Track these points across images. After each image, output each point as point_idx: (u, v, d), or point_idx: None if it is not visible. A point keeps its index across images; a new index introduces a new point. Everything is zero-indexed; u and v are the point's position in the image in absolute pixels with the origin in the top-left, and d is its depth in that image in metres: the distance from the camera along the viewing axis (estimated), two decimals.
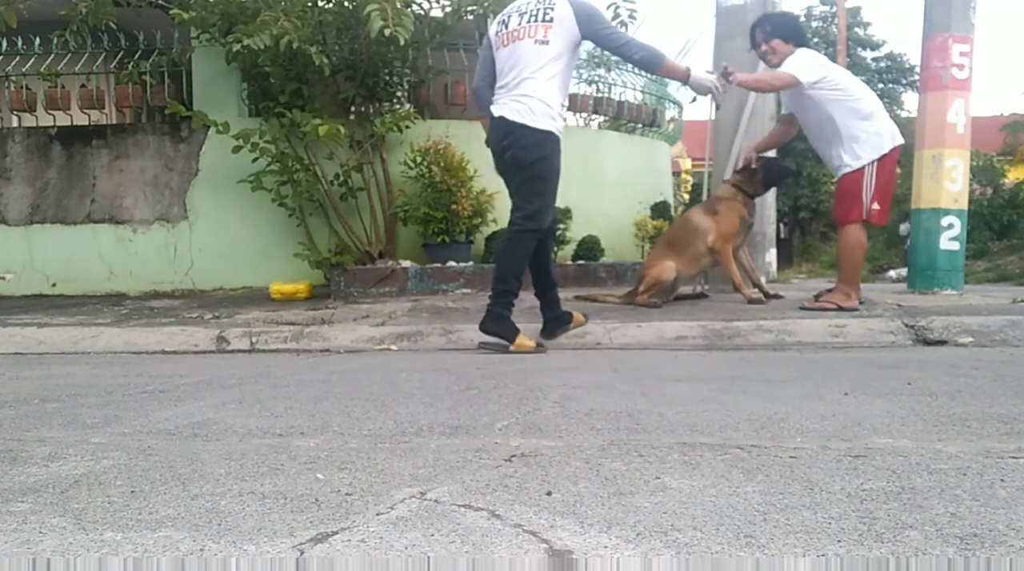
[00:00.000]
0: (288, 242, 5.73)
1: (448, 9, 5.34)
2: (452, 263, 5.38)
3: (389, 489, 1.32)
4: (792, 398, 2.08)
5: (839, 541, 1.04)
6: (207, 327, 3.86)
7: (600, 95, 6.97)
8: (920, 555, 0.99)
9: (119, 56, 6.37)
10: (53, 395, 2.38)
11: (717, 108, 3.46)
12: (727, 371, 2.67)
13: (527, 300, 3.66)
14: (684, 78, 3.34)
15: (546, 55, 3.17)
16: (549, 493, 1.27)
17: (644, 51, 3.19)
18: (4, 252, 6.06)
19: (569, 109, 6.64)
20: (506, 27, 3.30)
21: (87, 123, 6.27)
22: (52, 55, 6.09)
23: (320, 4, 5.35)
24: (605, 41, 3.28)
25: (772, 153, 4.88)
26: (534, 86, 3.17)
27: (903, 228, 8.08)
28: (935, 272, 4.82)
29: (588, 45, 7.18)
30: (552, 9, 3.18)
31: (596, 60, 7.05)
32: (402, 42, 4.50)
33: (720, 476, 1.36)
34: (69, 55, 6.13)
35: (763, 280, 4.88)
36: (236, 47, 4.74)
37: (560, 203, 5.81)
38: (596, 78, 7.17)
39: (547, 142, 3.19)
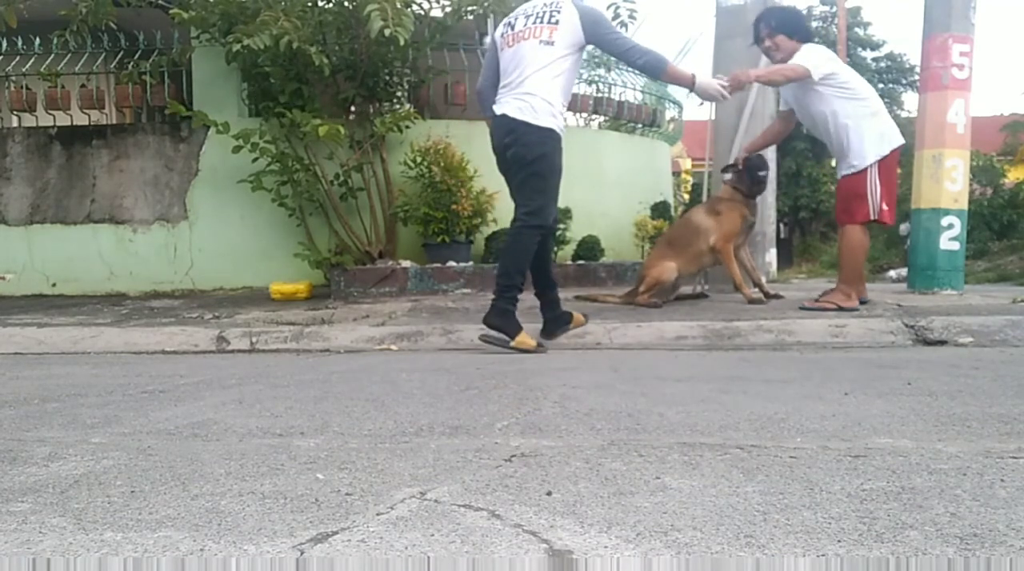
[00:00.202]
0: (288, 242, 5.73)
1: (448, 9, 5.34)
2: (452, 263, 5.38)
3: (389, 489, 1.32)
4: (792, 398, 2.08)
5: (839, 541, 1.04)
6: (207, 327, 3.86)
7: (600, 95, 6.97)
8: (920, 555, 0.99)
9: (119, 56, 6.37)
10: (53, 395, 2.38)
11: (725, 96, 3.42)
12: (727, 371, 2.67)
13: (527, 300, 3.66)
14: (689, 84, 3.32)
15: (550, 55, 3.18)
16: (549, 493, 1.27)
17: (648, 56, 3.19)
18: (4, 252, 6.07)
19: (569, 109, 6.62)
20: (512, 29, 3.32)
21: (87, 123, 6.27)
22: (52, 55, 6.09)
23: (320, 4, 5.35)
24: (610, 46, 3.29)
25: (773, 150, 4.88)
26: (537, 85, 3.18)
27: (903, 228, 8.08)
28: (935, 272, 4.82)
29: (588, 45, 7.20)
30: (558, 12, 3.20)
31: (596, 60, 7.05)
32: (402, 42, 4.50)
33: (720, 476, 1.36)
34: (69, 55, 6.13)
35: (763, 280, 4.88)
36: (236, 47, 4.74)
37: (560, 203, 5.81)
38: (596, 78, 7.16)
39: (549, 139, 3.21)
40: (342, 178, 5.53)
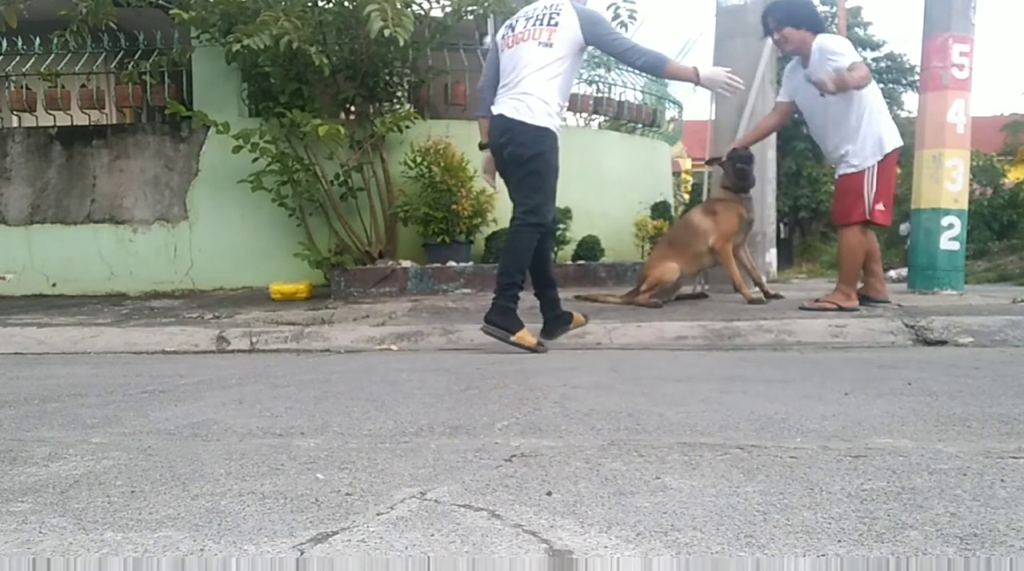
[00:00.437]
0: (288, 242, 5.73)
1: (448, 9, 5.34)
2: (452, 263, 5.38)
3: (389, 489, 1.32)
4: (792, 398, 2.08)
5: (839, 541, 1.04)
6: (207, 327, 3.86)
7: (600, 95, 6.97)
8: (920, 555, 0.99)
9: (119, 56, 6.37)
10: (53, 395, 2.38)
11: (734, 84, 3.36)
12: (727, 371, 2.67)
13: (527, 300, 3.66)
14: (693, 78, 3.27)
15: (549, 57, 3.19)
16: (549, 493, 1.27)
17: (647, 56, 3.19)
18: (4, 252, 6.07)
19: (569, 109, 6.63)
20: (512, 31, 3.34)
21: (87, 123, 6.28)
22: (52, 55, 6.09)
23: (320, 4, 5.36)
24: (609, 46, 3.28)
25: (772, 150, 4.88)
26: (533, 85, 3.20)
27: (903, 228, 8.09)
28: (935, 272, 4.82)
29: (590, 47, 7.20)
30: (557, 14, 3.21)
31: (596, 60, 7.05)
32: (402, 42, 4.50)
33: (720, 476, 1.36)
34: (69, 55, 6.14)
35: (764, 280, 4.88)
36: (236, 47, 4.74)
37: (560, 203, 5.82)
38: (596, 78, 7.16)
39: (545, 138, 3.22)
40: (342, 178, 5.53)
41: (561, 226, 5.85)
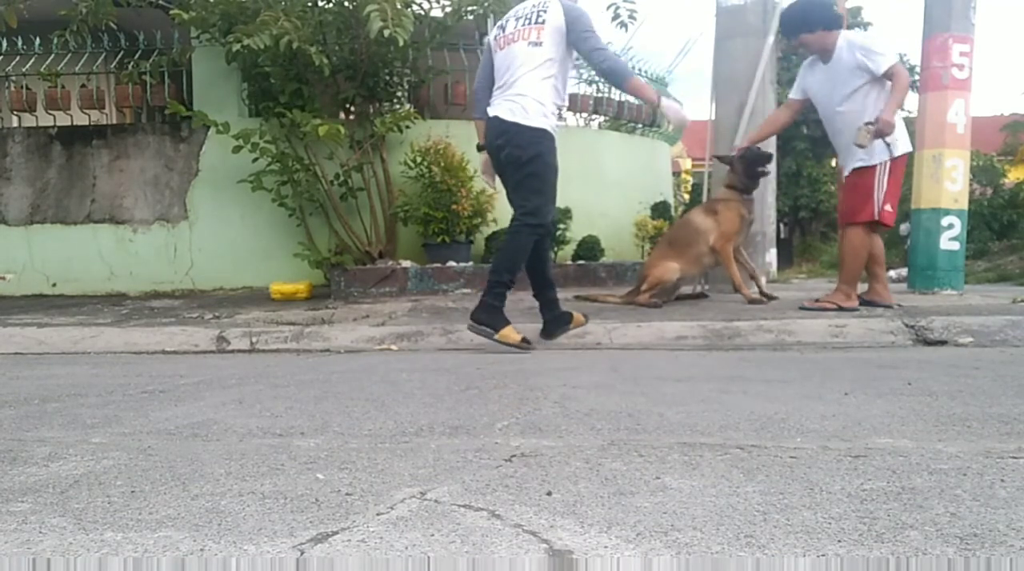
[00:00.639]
0: (288, 242, 5.73)
1: (448, 9, 5.34)
2: (452, 263, 5.38)
3: (389, 489, 1.32)
4: (792, 398, 2.08)
5: (839, 541, 1.04)
6: (207, 327, 3.86)
7: (600, 95, 6.97)
8: (920, 555, 0.99)
9: (119, 56, 6.38)
10: (53, 395, 2.38)
11: (685, 123, 3.40)
12: (727, 371, 2.67)
13: (527, 300, 3.66)
14: (654, 102, 3.21)
15: (540, 56, 3.19)
16: (549, 493, 1.27)
17: (612, 62, 3.18)
18: (4, 252, 6.07)
19: (569, 109, 6.64)
20: (503, 31, 3.34)
21: (87, 123, 6.28)
22: (52, 55, 6.09)
23: (320, 4, 5.36)
24: (580, 43, 3.21)
25: (774, 150, 4.88)
26: (528, 86, 3.19)
27: (903, 228, 8.08)
28: (935, 272, 4.82)
29: None
30: (545, 12, 3.20)
31: None
32: (402, 42, 4.51)
33: (720, 476, 1.36)
34: (69, 55, 6.14)
35: (763, 281, 4.88)
36: (236, 47, 4.74)
37: (560, 203, 5.82)
38: (596, 78, 7.16)
39: (542, 139, 3.22)
40: (342, 178, 5.53)
41: (561, 226, 5.85)
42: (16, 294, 5.97)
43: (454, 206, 5.33)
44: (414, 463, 1.49)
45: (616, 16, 5.53)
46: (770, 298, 4.48)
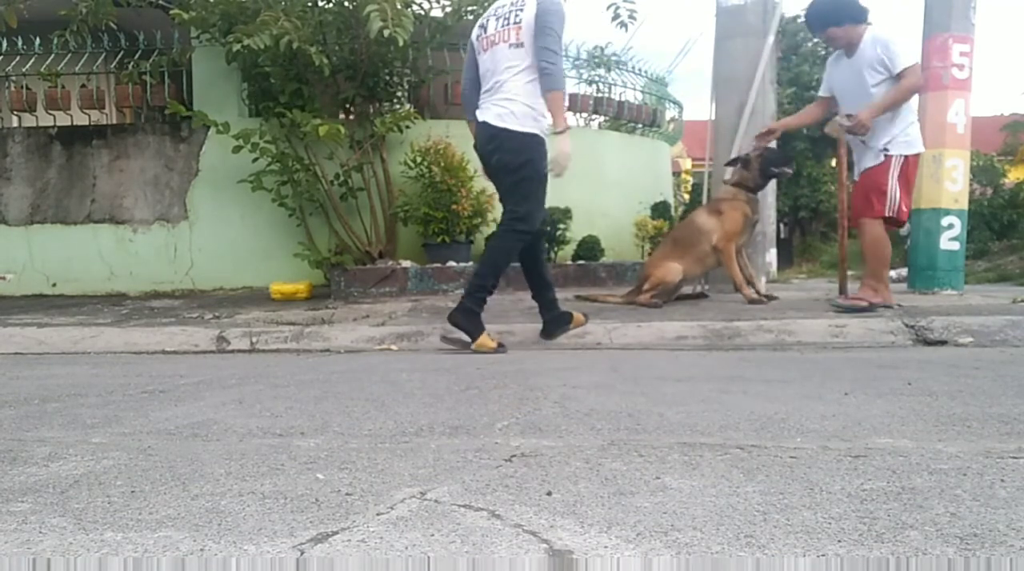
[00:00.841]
0: (288, 242, 5.73)
1: (448, 9, 5.34)
2: (452, 263, 5.38)
3: (389, 489, 1.32)
4: (792, 398, 2.08)
5: (839, 541, 1.04)
6: (207, 327, 3.86)
7: (600, 95, 6.97)
8: (920, 555, 0.99)
9: (119, 56, 6.37)
10: (53, 395, 2.38)
11: (562, 169, 3.24)
12: (727, 371, 2.67)
13: (527, 300, 3.66)
14: (557, 128, 3.15)
15: (522, 58, 3.14)
16: (549, 493, 1.27)
17: (552, 68, 3.08)
18: (4, 252, 6.07)
19: (569, 109, 6.64)
20: (485, 31, 3.29)
21: (87, 123, 6.28)
22: (52, 55, 6.09)
23: (320, 4, 5.36)
24: (537, 36, 3.11)
25: (773, 143, 4.87)
26: (515, 89, 3.15)
27: (903, 228, 8.09)
28: (935, 272, 4.82)
29: (588, 46, 7.20)
30: (521, 10, 3.15)
31: (596, 60, 7.05)
32: (401, 42, 4.50)
33: (720, 476, 1.36)
34: (69, 55, 6.14)
35: (762, 282, 4.88)
36: (236, 47, 4.74)
37: (560, 203, 5.88)
38: (596, 78, 7.16)
39: (532, 145, 3.18)
40: (342, 178, 5.53)
41: (561, 226, 5.85)
42: (16, 294, 5.97)
43: (454, 206, 5.33)
44: (414, 463, 1.49)
45: (616, 16, 5.53)
46: (770, 298, 4.48)
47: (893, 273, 6.50)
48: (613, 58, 7.12)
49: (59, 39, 5.87)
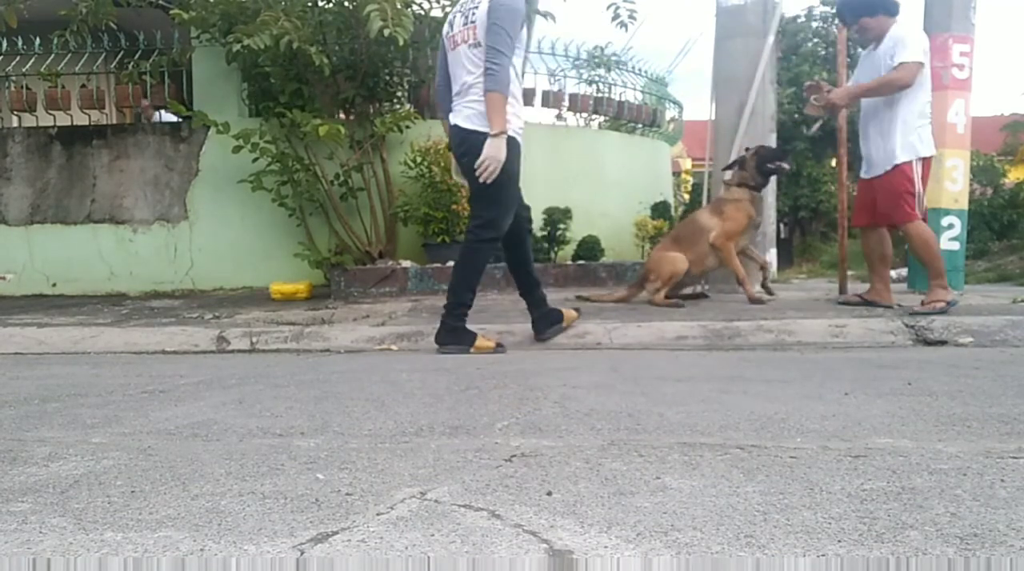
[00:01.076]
0: (288, 242, 5.73)
1: (448, 9, 5.34)
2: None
3: (389, 489, 1.32)
4: (792, 398, 2.08)
5: (839, 541, 1.04)
6: (207, 327, 3.86)
7: (600, 95, 6.98)
8: (920, 555, 0.99)
9: (119, 56, 6.38)
10: (53, 395, 2.38)
11: (497, 165, 3.04)
12: (727, 371, 2.67)
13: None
14: (495, 129, 2.98)
15: (482, 58, 3.03)
16: (549, 493, 1.27)
17: (495, 68, 2.95)
18: (4, 252, 6.07)
19: (569, 109, 6.65)
20: (452, 29, 3.21)
21: (87, 123, 6.28)
22: (52, 55, 6.09)
23: (320, 4, 5.36)
24: (487, 33, 3.00)
25: (773, 139, 4.88)
26: (481, 91, 3.03)
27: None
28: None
29: (588, 46, 7.19)
30: (476, 8, 3.07)
31: (596, 60, 7.05)
32: (402, 42, 4.50)
33: (720, 476, 1.36)
34: (69, 55, 6.14)
35: (771, 271, 4.87)
36: (236, 47, 4.75)
37: (560, 203, 5.88)
38: (596, 78, 7.17)
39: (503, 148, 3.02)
40: (342, 178, 5.53)
41: (561, 226, 5.86)
42: (16, 294, 5.97)
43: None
44: (414, 463, 1.49)
45: (616, 16, 5.53)
46: (770, 294, 4.48)
47: (893, 273, 6.50)
48: (613, 58, 7.13)
49: (59, 39, 5.87)
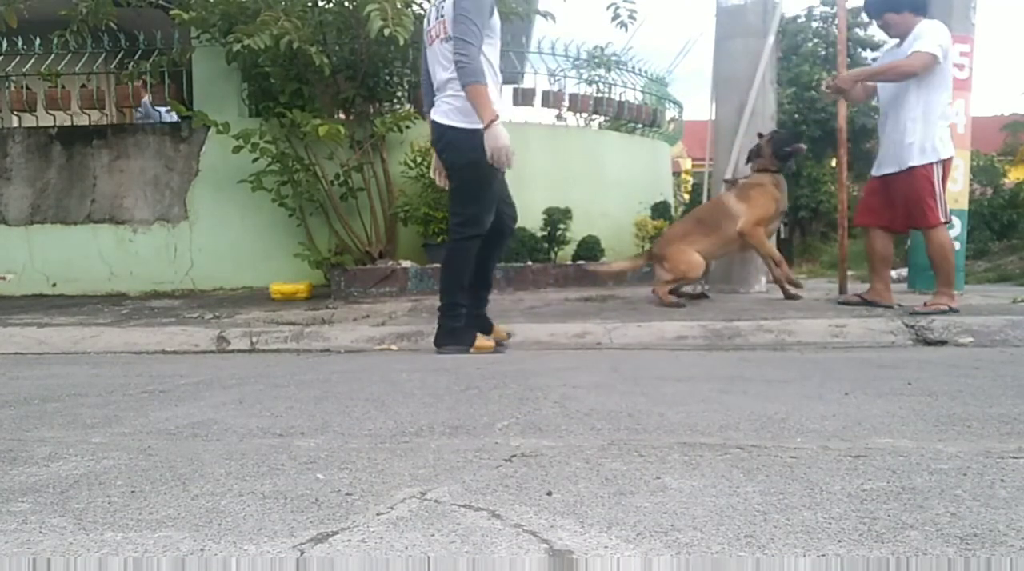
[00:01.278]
0: (288, 242, 5.73)
1: None
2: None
3: (389, 489, 1.32)
4: (792, 398, 2.08)
5: (839, 541, 1.04)
6: (207, 327, 3.86)
7: (600, 95, 6.97)
8: (920, 555, 0.99)
9: (119, 56, 6.38)
10: (53, 395, 2.38)
11: (505, 161, 2.99)
12: (727, 371, 2.66)
13: (527, 300, 3.65)
14: (485, 120, 2.91)
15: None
16: (549, 493, 1.27)
17: (465, 60, 2.90)
18: (4, 252, 6.07)
19: (569, 109, 6.64)
20: (428, 25, 3.18)
21: (87, 123, 6.28)
22: (52, 55, 6.09)
23: (320, 4, 5.36)
24: (453, 27, 2.96)
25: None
26: (456, 85, 2.98)
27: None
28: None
29: (588, 45, 7.19)
30: (445, 3, 3.03)
31: (596, 60, 7.05)
32: (402, 42, 4.50)
33: (720, 476, 1.35)
34: (69, 55, 6.14)
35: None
36: (236, 47, 4.75)
37: (560, 203, 5.88)
38: (596, 78, 7.17)
39: (479, 141, 2.96)
40: (342, 178, 5.53)
41: (561, 226, 5.85)
42: (16, 294, 5.97)
43: None
44: (414, 463, 1.49)
45: (616, 16, 5.53)
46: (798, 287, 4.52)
47: (893, 273, 6.50)
48: (613, 58, 7.13)
49: (59, 39, 5.87)
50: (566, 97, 6.57)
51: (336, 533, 1.10)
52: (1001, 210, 10.39)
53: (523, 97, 6.26)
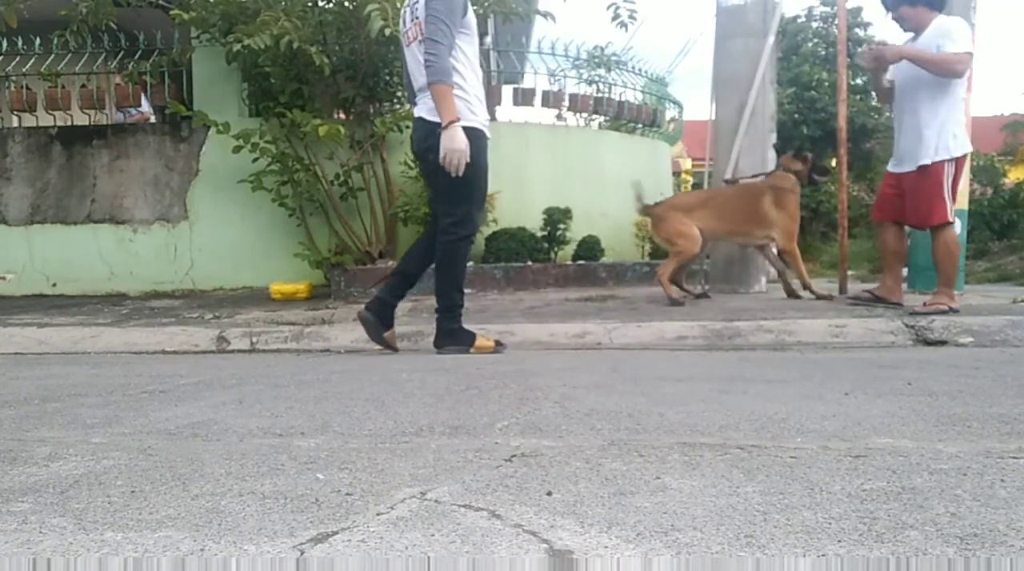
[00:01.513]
0: (288, 242, 5.73)
1: None
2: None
3: (389, 489, 1.32)
4: (792, 398, 2.08)
5: (839, 541, 1.04)
6: (207, 327, 3.86)
7: (600, 95, 6.97)
8: (920, 555, 0.99)
9: (119, 56, 6.38)
10: (53, 395, 2.38)
11: (463, 161, 2.98)
12: (727, 371, 2.66)
13: (527, 300, 3.65)
14: (445, 120, 2.92)
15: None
16: (549, 493, 1.27)
17: (434, 59, 2.90)
18: (4, 252, 6.07)
19: (569, 109, 6.65)
20: (405, 25, 3.18)
21: (87, 123, 6.28)
22: (52, 55, 6.09)
23: (320, 4, 5.36)
24: (425, 26, 2.96)
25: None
26: None
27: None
28: (936, 272, 4.80)
29: (588, 45, 7.19)
30: (418, 4, 3.03)
31: (596, 60, 7.05)
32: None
33: (720, 476, 1.35)
34: (69, 55, 6.14)
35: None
36: (236, 47, 4.75)
37: (560, 203, 5.88)
38: (596, 78, 7.17)
39: (471, 140, 2.97)
40: (342, 178, 5.53)
41: (561, 226, 5.86)
42: (16, 294, 5.97)
43: None
44: (414, 463, 1.49)
45: (616, 16, 5.53)
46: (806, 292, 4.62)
47: None
48: (613, 58, 7.13)
49: (59, 39, 5.87)
50: (566, 97, 6.57)
51: (336, 533, 1.10)
52: (1001, 210, 10.39)
53: (523, 97, 6.26)
